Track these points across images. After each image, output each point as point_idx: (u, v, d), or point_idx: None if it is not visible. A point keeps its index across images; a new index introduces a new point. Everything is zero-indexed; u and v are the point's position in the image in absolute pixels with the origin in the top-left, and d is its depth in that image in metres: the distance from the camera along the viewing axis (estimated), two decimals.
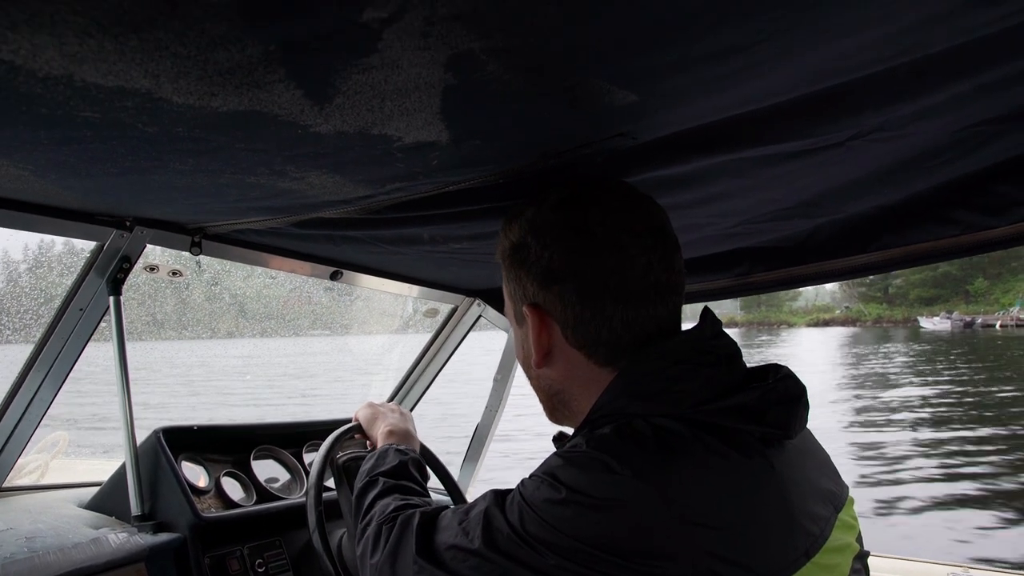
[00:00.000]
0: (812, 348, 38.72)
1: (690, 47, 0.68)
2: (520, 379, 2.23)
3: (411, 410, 2.40)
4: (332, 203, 1.13)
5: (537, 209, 0.97)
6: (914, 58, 0.78)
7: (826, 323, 79.40)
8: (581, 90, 0.77)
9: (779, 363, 0.94)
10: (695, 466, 0.81)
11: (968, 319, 66.61)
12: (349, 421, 1.52)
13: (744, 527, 0.79)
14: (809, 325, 79.07)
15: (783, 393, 0.89)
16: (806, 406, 0.91)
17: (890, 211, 1.36)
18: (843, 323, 79.32)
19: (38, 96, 0.69)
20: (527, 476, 0.87)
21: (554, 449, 1.05)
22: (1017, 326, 62.11)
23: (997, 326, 63.56)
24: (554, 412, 1.04)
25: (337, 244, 1.46)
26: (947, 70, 0.83)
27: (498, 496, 0.89)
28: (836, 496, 0.93)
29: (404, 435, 1.41)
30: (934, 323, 67.27)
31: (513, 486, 0.90)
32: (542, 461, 0.88)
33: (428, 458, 1.78)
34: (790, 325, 79.61)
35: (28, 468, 1.91)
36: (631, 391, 0.90)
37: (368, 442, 1.48)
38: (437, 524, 0.94)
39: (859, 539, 0.95)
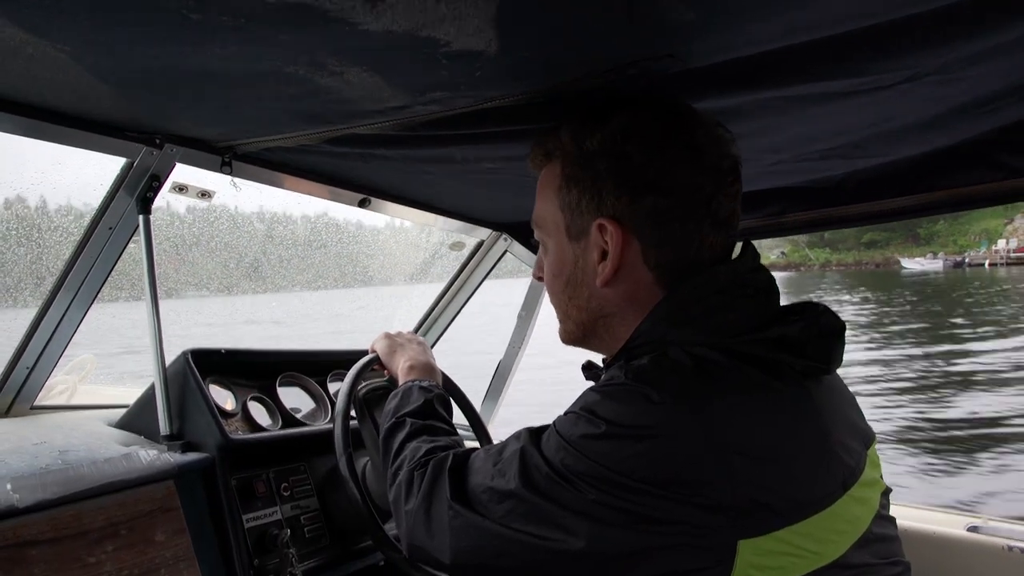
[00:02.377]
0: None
1: None
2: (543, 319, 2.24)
3: (432, 346, 2.41)
4: (368, 112, 1.10)
5: (635, 116, 0.92)
6: None
7: None
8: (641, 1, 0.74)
9: (815, 300, 0.93)
10: (735, 395, 0.80)
11: (959, 259, 67.72)
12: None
13: (783, 456, 0.79)
14: None
15: (824, 327, 0.88)
16: (843, 342, 0.90)
17: (933, 156, 1.32)
18: (784, 268, 77.98)
19: None
20: (562, 413, 0.86)
21: (583, 375, 1.05)
22: (1008, 264, 62.07)
23: (986, 265, 63.57)
24: (586, 337, 1.02)
25: (367, 162, 1.42)
26: (1012, 8, 0.79)
27: (533, 435, 0.87)
28: (865, 433, 0.93)
29: (425, 369, 1.38)
30: (922, 264, 67.59)
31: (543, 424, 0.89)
32: (577, 397, 0.87)
33: (451, 390, 1.79)
34: None
35: (57, 389, 1.94)
36: (672, 318, 0.89)
37: (386, 371, 1.47)
38: (470, 466, 0.93)
39: (881, 477, 0.95)
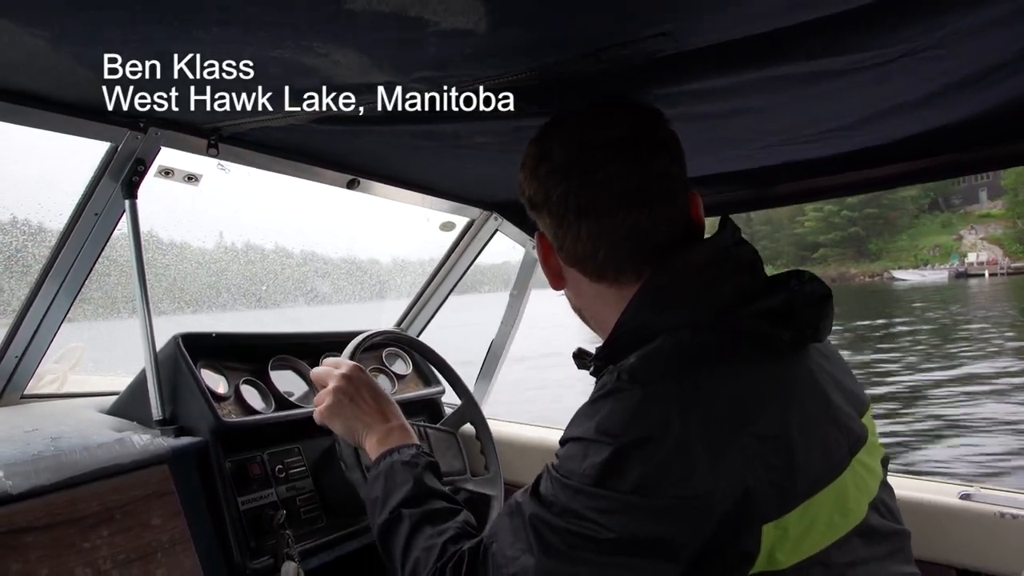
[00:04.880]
0: None
1: None
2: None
3: (420, 333, 2.40)
4: (356, 89, 1.08)
5: (543, 142, 0.97)
6: None
7: None
8: None
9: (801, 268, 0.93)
10: (730, 376, 0.80)
11: (962, 269, 68.59)
12: (361, 331, 1.51)
13: (788, 430, 0.79)
14: None
15: (809, 295, 0.88)
16: (832, 308, 0.90)
17: (932, 131, 1.32)
18: None
19: None
20: (560, 449, 0.85)
21: (575, 364, 1.05)
22: (1009, 274, 62.61)
23: (986, 275, 64.11)
24: (593, 328, 1.04)
25: (357, 139, 1.40)
26: None
27: (532, 495, 0.85)
28: (860, 400, 0.93)
29: (396, 432, 1.21)
30: (923, 275, 68.58)
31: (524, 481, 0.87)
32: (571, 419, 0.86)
33: (444, 371, 1.79)
34: None
35: (47, 379, 1.93)
36: (655, 301, 0.88)
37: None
38: (488, 562, 0.88)
39: (879, 444, 0.96)
